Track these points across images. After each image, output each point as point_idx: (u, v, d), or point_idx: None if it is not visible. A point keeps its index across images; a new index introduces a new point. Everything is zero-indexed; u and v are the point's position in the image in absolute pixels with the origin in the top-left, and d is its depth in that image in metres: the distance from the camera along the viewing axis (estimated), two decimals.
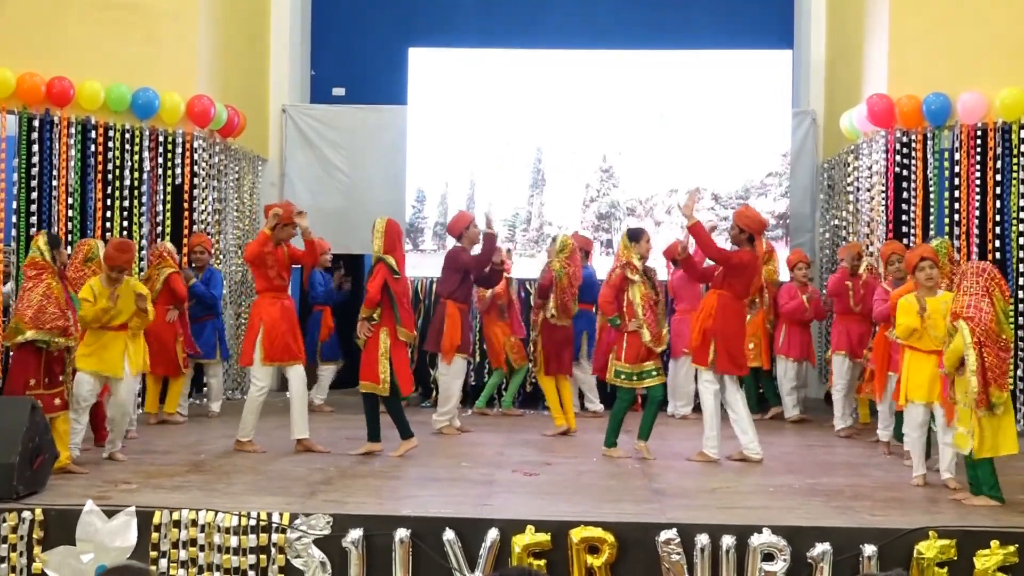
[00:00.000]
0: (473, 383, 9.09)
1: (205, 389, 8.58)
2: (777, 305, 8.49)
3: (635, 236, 6.60)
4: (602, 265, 9.07)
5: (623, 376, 6.47)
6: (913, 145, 8.16)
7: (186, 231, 8.64)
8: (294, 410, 6.56)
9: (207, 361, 8.26)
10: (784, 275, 8.84)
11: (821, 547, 4.50)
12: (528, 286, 9.37)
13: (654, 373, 6.51)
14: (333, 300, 8.83)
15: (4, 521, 4.73)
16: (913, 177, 8.12)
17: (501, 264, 7.67)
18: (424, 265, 9.65)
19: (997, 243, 7.68)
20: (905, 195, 8.12)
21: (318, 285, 8.63)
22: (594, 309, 8.10)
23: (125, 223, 8.28)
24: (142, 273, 7.80)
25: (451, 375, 7.44)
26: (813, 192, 10.11)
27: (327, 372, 8.89)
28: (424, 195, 9.91)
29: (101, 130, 8.20)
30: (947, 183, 7.93)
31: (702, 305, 6.43)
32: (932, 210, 8.00)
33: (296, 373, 6.58)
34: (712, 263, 6.47)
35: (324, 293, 8.75)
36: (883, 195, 8.21)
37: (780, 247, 9.31)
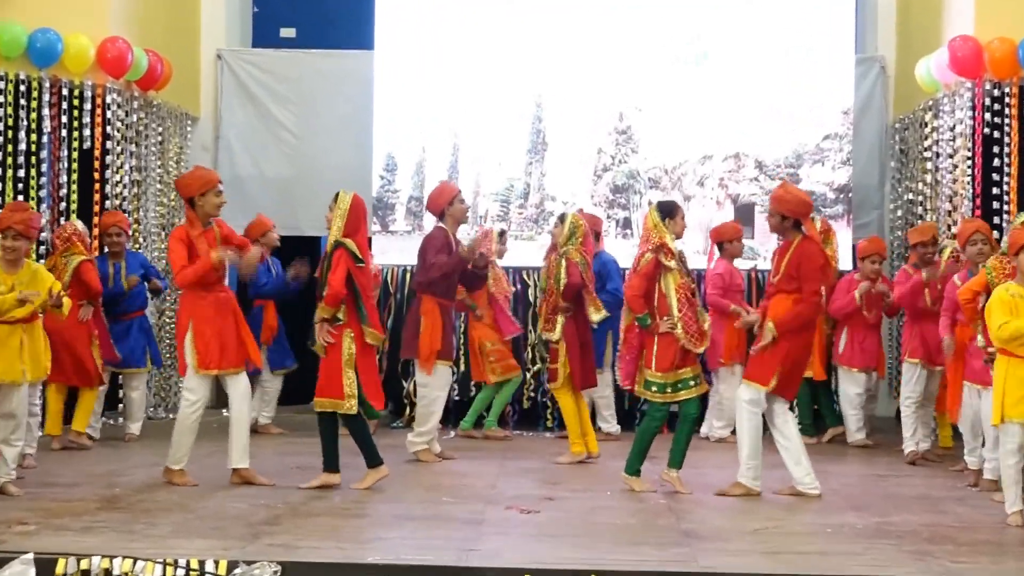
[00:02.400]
0: (457, 397, 9.11)
1: (122, 406, 8.57)
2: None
3: (669, 211, 6.57)
4: (618, 250, 9.09)
5: (655, 388, 6.45)
6: (1007, 99, 8.19)
7: (97, 207, 8.61)
8: (234, 432, 6.55)
9: (131, 370, 8.27)
10: (846, 262, 8.84)
11: None
12: (527, 276, 9.37)
13: (692, 383, 6.48)
14: (283, 293, 8.79)
15: None
16: (1007, 139, 8.14)
17: (485, 266, 7.71)
18: (394, 249, 9.69)
19: None
20: (996, 161, 8.16)
21: (261, 273, 8.56)
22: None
23: (20, 196, 8.25)
24: (43, 261, 7.78)
25: (432, 387, 7.44)
26: (882, 159, 10.14)
27: (273, 384, 8.88)
28: (395, 162, 9.91)
29: None
30: None
31: (770, 311, 6.41)
32: None
33: (238, 385, 6.57)
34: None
35: (271, 284, 8.72)
36: (969, 161, 8.24)
37: (840, 228, 9.33)
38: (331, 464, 6.47)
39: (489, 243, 8.24)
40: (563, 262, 7.37)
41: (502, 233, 8.66)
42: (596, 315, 7.46)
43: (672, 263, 6.40)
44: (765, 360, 6.30)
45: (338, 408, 6.33)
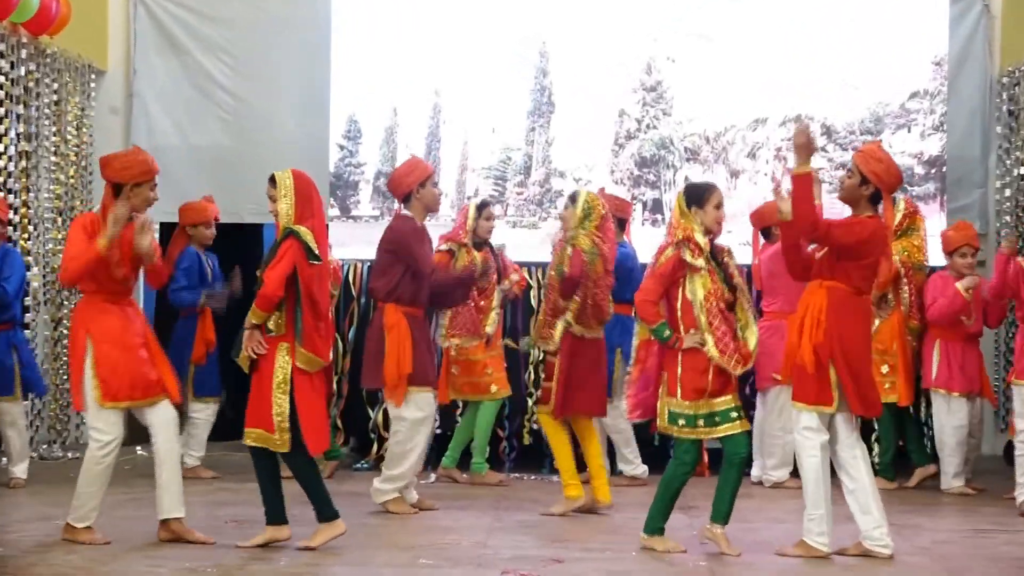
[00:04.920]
0: (439, 430, 9.11)
1: (1, 444, 8.55)
2: (923, 306, 8.51)
3: (697, 196, 6.53)
4: (648, 241, 9.07)
5: (682, 422, 6.43)
6: None
7: None
8: (162, 473, 6.54)
9: (1, 400, 8.25)
10: (937, 257, 8.84)
11: None
12: (527, 274, 9.36)
13: (733, 415, 6.43)
14: (222, 300, 8.77)
15: None
16: None
17: (482, 276, 7.82)
18: (358, 240, 9.70)
19: None
20: None
21: (191, 272, 8.60)
22: (633, 313, 8.10)
23: None
24: None
25: (407, 420, 7.44)
26: (985, 123, 10.16)
27: (204, 415, 8.88)
28: (359, 129, 9.93)
29: None
30: None
31: (803, 305, 6.41)
32: None
33: (159, 414, 6.56)
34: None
35: (197, 289, 8.71)
36: None
37: (932, 212, 9.32)
38: (276, 515, 6.45)
39: (463, 219, 8.27)
40: (568, 249, 7.37)
41: (483, 205, 8.64)
42: (570, 320, 7.44)
43: (699, 261, 6.37)
44: (801, 376, 6.29)
45: (268, 443, 6.32)
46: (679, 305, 6.43)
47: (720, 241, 6.64)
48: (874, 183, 6.28)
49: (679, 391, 6.38)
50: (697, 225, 6.43)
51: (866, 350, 6.39)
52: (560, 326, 7.45)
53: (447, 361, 8.58)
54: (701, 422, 6.39)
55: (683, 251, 6.36)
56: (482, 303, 8.50)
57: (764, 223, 8.52)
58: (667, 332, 6.37)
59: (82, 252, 6.37)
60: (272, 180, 6.46)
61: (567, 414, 7.52)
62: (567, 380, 7.44)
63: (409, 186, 7.52)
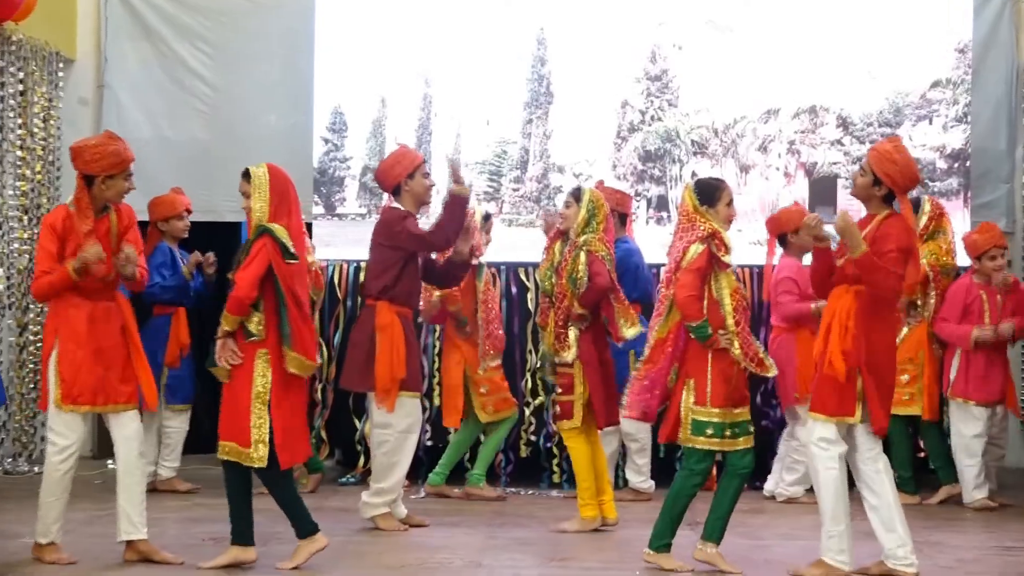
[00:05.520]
0: (429, 443, 9.11)
1: None
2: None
3: (708, 195, 6.59)
4: (650, 240, 9.05)
5: (711, 431, 6.43)
6: None
7: None
8: (123, 491, 6.52)
9: None
10: (964, 257, 8.81)
11: None
12: (525, 276, 9.33)
13: (750, 428, 6.53)
14: (196, 296, 8.76)
15: None
16: None
17: (470, 251, 7.71)
18: (344, 238, 9.68)
19: None
20: None
21: (162, 267, 8.55)
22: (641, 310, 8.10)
23: None
24: None
25: (395, 428, 7.42)
26: (1012, 114, 10.08)
27: (177, 424, 8.86)
28: (344, 121, 9.90)
29: None
30: None
31: (829, 311, 6.40)
32: None
33: (124, 427, 6.56)
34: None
35: (175, 285, 8.67)
36: None
37: (955, 210, 9.30)
38: (243, 535, 6.42)
39: (475, 233, 8.22)
40: (582, 255, 7.35)
41: (487, 217, 8.64)
42: (630, 330, 7.44)
43: (728, 258, 6.46)
44: (823, 386, 6.28)
45: (242, 458, 6.29)
46: (706, 303, 6.44)
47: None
48: (887, 183, 6.28)
49: (709, 398, 6.39)
50: (716, 222, 6.48)
51: (893, 360, 6.39)
52: (574, 334, 7.43)
53: (464, 381, 8.53)
54: (728, 432, 6.42)
55: (712, 246, 6.42)
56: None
57: (781, 229, 8.48)
58: (709, 330, 6.38)
59: (52, 268, 6.42)
60: (246, 175, 6.47)
61: (615, 422, 7.53)
62: (599, 390, 7.41)
63: (397, 177, 7.49)
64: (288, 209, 6.41)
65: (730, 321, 6.40)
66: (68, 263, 6.38)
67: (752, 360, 6.42)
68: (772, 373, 6.53)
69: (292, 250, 6.29)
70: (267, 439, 6.26)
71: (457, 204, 7.36)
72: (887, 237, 6.23)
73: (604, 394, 7.44)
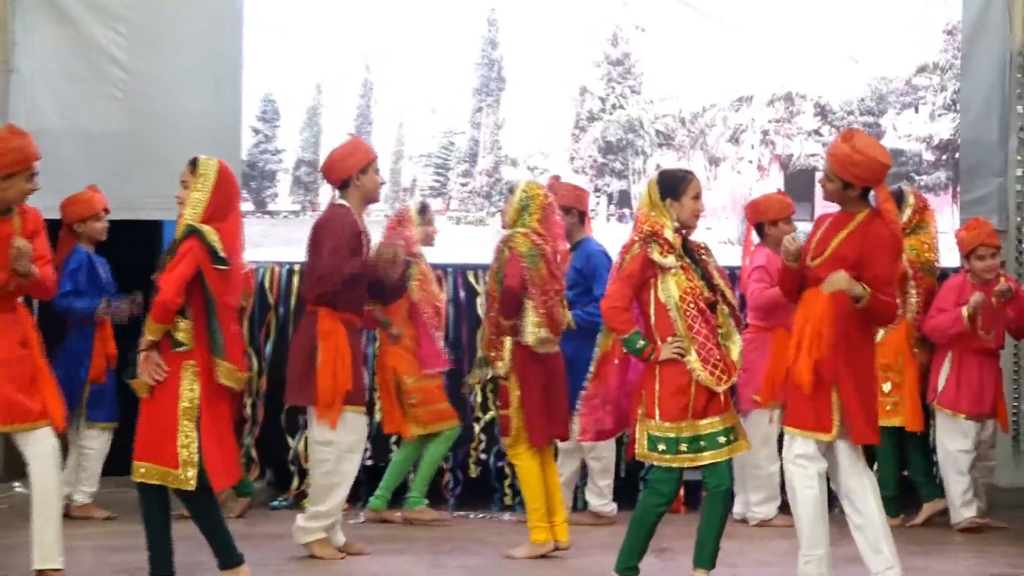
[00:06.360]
0: (370, 462, 9.07)
1: None
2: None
3: (672, 187, 6.55)
4: (613, 239, 9.04)
5: (662, 447, 6.40)
6: None
7: None
8: (37, 516, 6.45)
9: None
10: (952, 257, 8.86)
11: None
12: (474, 278, 9.30)
13: (721, 439, 6.40)
14: (122, 314, 8.66)
15: None
16: None
17: (405, 277, 7.92)
18: (276, 238, 9.66)
19: None
20: None
21: (79, 275, 8.53)
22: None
23: None
24: None
25: (337, 445, 7.36)
26: (1004, 102, 10.10)
27: (97, 444, 8.74)
28: (276, 109, 9.86)
29: None
30: None
31: (801, 315, 6.39)
32: None
33: (36, 445, 6.50)
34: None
35: (90, 294, 8.57)
36: None
37: (943, 205, 9.33)
38: (162, 565, 6.41)
39: (409, 227, 8.18)
40: (504, 252, 7.33)
41: (424, 208, 8.59)
42: (531, 334, 7.41)
43: (669, 260, 6.37)
44: (796, 399, 6.27)
45: (168, 481, 6.22)
46: (652, 310, 6.42)
47: (695, 237, 6.65)
48: (857, 184, 6.28)
49: (657, 412, 6.36)
50: (668, 219, 6.43)
51: (874, 368, 6.38)
52: (509, 344, 7.41)
53: (396, 391, 8.48)
54: (684, 447, 6.36)
55: (650, 248, 6.35)
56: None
57: (760, 218, 8.48)
58: (641, 342, 6.34)
59: None
60: (193, 164, 6.42)
61: (545, 444, 7.49)
62: (533, 404, 7.39)
63: (348, 171, 7.47)
64: (226, 214, 6.37)
65: (680, 326, 6.33)
66: None
67: (714, 367, 6.34)
68: (723, 387, 6.40)
69: (222, 254, 6.23)
70: (196, 460, 6.19)
71: (373, 268, 7.39)
72: (876, 256, 6.21)
73: (542, 410, 7.39)
